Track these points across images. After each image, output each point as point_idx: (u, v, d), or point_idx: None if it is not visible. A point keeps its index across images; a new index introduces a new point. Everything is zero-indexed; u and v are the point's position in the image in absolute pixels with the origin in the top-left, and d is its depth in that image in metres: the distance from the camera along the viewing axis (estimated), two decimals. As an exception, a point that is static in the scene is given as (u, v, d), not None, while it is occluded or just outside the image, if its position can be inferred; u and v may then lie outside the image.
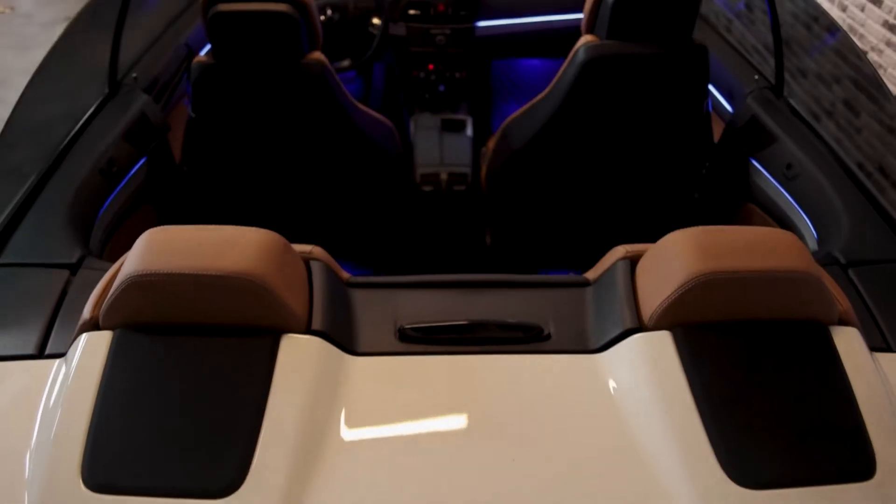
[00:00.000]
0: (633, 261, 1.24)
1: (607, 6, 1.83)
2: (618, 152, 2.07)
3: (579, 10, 2.97)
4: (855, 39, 3.35)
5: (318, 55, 1.86)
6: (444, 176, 2.48)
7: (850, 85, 3.33)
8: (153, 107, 2.06)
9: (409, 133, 2.95)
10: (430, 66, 2.98)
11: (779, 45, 2.10)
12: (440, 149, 2.59)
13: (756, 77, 2.23)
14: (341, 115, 1.95)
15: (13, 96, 2.11)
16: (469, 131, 2.83)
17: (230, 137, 2.00)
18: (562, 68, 1.94)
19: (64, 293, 1.35)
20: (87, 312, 1.11)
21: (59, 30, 5.37)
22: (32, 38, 5.32)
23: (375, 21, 2.79)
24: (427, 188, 2.46)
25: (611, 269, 1.25)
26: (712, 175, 2.27)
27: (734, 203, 2.19)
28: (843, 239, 1.59)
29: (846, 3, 3.40)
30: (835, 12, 3.49)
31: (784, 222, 1.92)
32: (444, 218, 2.51)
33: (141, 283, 1.04)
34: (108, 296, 1.07)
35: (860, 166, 3.28)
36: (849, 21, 3.40)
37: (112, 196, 1.81)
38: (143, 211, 2.02)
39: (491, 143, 2.70)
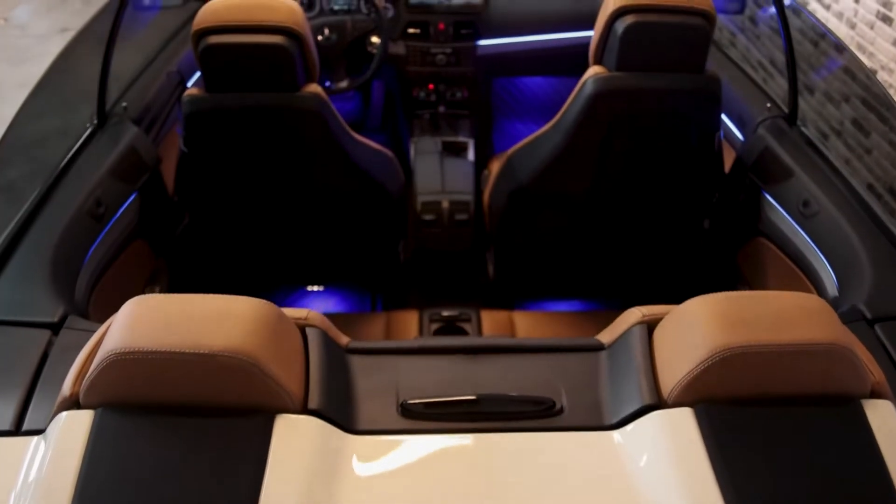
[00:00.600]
0: (649, 325, 1.17)
1: (616, 36, 1.76)
2: (626, 184, 2.00)
3: (582, 28, 2.90)
4: (864, 58, 3.28)
5: (314, 88, 1.79)
6: (445, 204, 2.41)
7: (858, 104, 3.26)
8: (143, 140, 1.98)
9: (408, 155, 2.88)
10: (431, 86, 2.92)
11: (793, 73, 2.03)
12: (441, 175, 2.52)
13: (768, 105, 2.16)
14: (338, 150, 1.88)
15: (8, 111, 2.05)
16: (471, 155, 2.76)
17: (223, 172, 1.93)
18: (569, 100, 1.87)
19: (45, 357, 1.28)
20: (66, 389, 1.04)
21: (54, 42, 5.31)
22: (26, 50, 5.25)
23: (374, 40, 2.72)
24: (428, 217, 2.38)
25: (626, 335, 1.17)
26: (722, 206, 2.20)
27: (744, 236, 2.11)
28: (867, 290, 1.51)
29: (855, 20, 3.33)
30: (843, 30, 3.42)
31: (799, 261, 1.85)
32: (446, 248, 2.44)
33: (123, 362, 0.97)
34: (89, 373, 1.00)
35: (870, 187, 3.21)
36: (857, 39, 3.33)
37: (100, 237, 1.73)
38: (134, 247, 1.94)
39: (493, 167, 2.63)
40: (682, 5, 1.73)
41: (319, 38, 2.61)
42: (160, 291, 2.04)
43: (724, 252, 2.23)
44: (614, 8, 1.74)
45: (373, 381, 1.14)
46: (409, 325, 2.18)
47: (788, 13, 1.97)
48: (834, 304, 1.66)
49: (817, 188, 1.82)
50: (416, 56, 2.86)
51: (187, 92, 1.80)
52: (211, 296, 1.05)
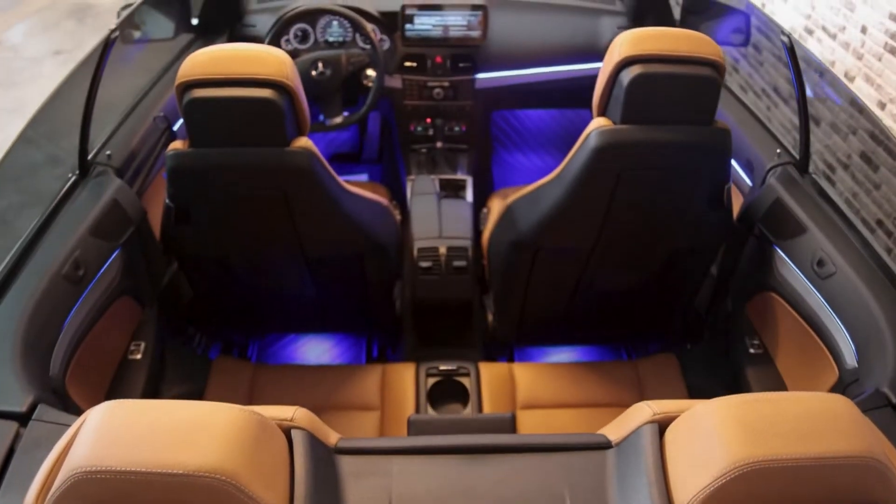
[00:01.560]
0: (661, 424, 1.08)
1: (622, 87, 1.67)
2: (631, 237, 1.92)
3: (582, 61, 2.84)
4: (872, 90, 3.20)
5: (304, 142, 1.70)
6: (443, 250, 2.32)
7: (866, 137, 3.18)
8: (127, 193, 1.89)
9: (404, 190, 2.80)
10: (428, 120, 2.85)
11: (805, 119, 1.95)
12: (438, 219, 2.44)
13: (778, 151, 2.07)
14: (331, 205, 1.79)
15: (-1, 137, 1.98)
16: (469, 195, 2.68)
17: (211, 226, 1.84)
18: (571, 152, 1.78)
19: (10, 454, 1.19)
20: None
21: (47, 64, 5.24)
22: (18, 73, 5.17)
23: (370, 73, 2.64)
24: (425, 264, 2.30)
25: (636, 434, 1.08)
26: (730, 256, 2.12)
27: (754, 288, 2.03)
28: (891, 369, 1.43)
29: (862, 51, 3.26)
30: (850, 61, 3.35)
31: (813, 322, 1.77)
32: (444, 296, 2.35)
33: (88, 482, 0.87)
34: (52, 491, 0.91)
35: (879, 223, 3.12)
36: (865, 70, 3.25)
37: (78, 303, 1.64)
38: (116, 305, 1.85)
39: (493, 206, 2.56)
40: (691, 55, 1.65)
41: (314, 72, 2.54)
42: (146, 347, 1.95)
43: (733, 301, 2.15)
44: (620, 58, 1.66)
45: (364, 486, 1.06)
46: (405, 379, 2.10)
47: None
48: (853, 375, 1.58)
49: (832, 246, 1.74)
50: (413, 90, 2.79)
51: (171, 146, 1.72)
52: (186, 403, 0.96)
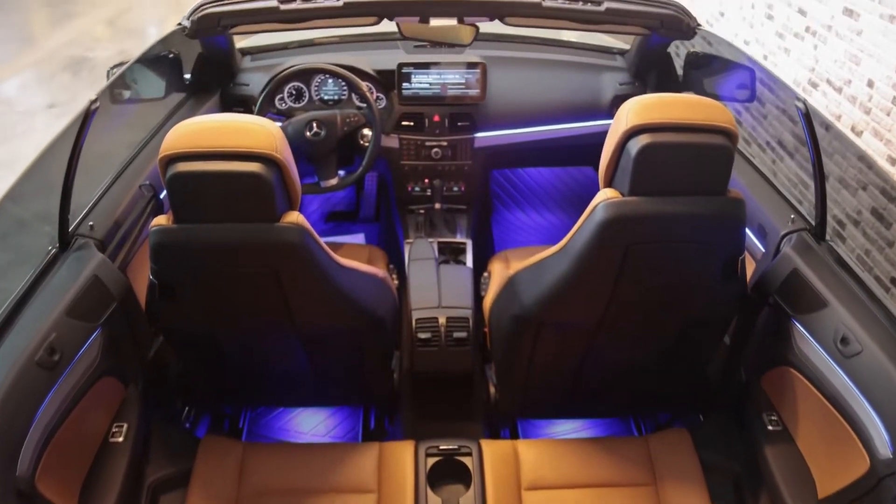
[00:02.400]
0: None
1: (629, 157, 1.58)
2: (640, 312, 1.81)
3: (584, 118, 2.77)
4: (881, 144, 3.13)
5: (295, 217, 1.60)
6: (442, 320, 2.22)
7: (877, 193, 3.10)
8: (109, 268, 1.79)
9: (402, 251, 2.71)
10: (426, 180, 2.76)
11: (821, 184, 1.85)
12: (437, 286, 2.34)
13: (792, 216, 1.98)
14: (323, 280, 1.69)
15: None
16: (469, 260, 2.58)
17: (197, 303, 1.74)
18: (577, 225, 1.69)
19: None
20: None
21: (41, 118, 5.19)
22: (11, 127, 5.11)
23: (366, 132, 2.57)
24: (423, 335, 2.19)
25: None
26: (744, 327, 2.02)
27: (770, 361, 1.92)
28: None
29: (870, 105, 3.19)
30: (857, 115, 3.28)
31: (837, 403, 1.65)
32: (444, 369, 2.24)
33: None
34: None
35: (894, 281, 3.03)
36: (873, 125, 3.18)
37: (53, 390, 1.53)
38: (98, 387, 1.74)
39: (494, 269, 2.46)
40: (702, 123, 1.57)
41: (308, 133, 2.47)
42: (129, 428, 1.84)
43: (747, 372, 2.04)
44: (627, 127, 1.58)
45: None
46: (403, 459, 1.97)
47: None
48: (888, 468, 1.46)
49: (856, 323, 1.63)
50: (411, 149, 2.72)
51: (155, 221, 1.62)
52: None
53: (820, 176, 1.83)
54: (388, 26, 2.51)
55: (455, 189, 2.78)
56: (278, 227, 1.58)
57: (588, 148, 2.82)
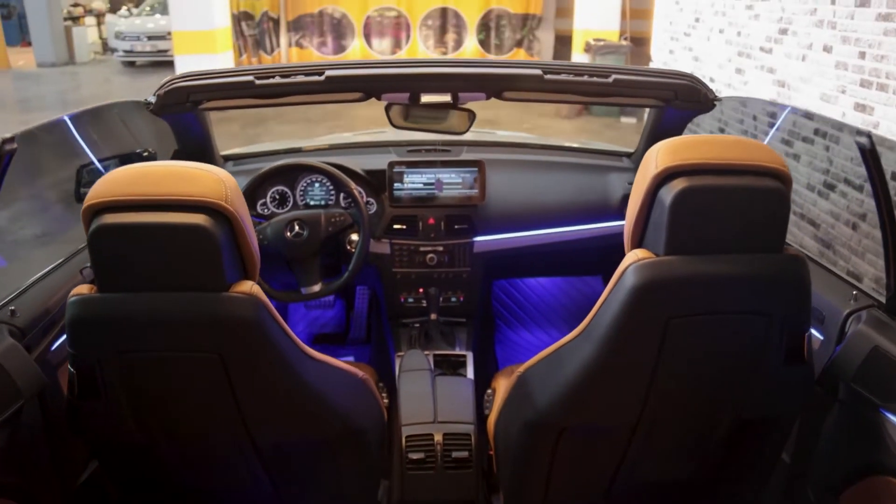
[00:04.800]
0: None
1: (663, 207, 1.30)
2: (684, 408, 1.47)
3: (591, 220, 2.51)
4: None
5: (248, 287, 1.29)
6: (438, 438, 1.85)
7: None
8: (19, 357, 1.46)
9: (393, 370, 2.37)
10: (421, 290, 2.47)
11: (893, 240, 1.55)
12: (433, 399, 1.98)
13: (854, 293, 1.68)
14: (285, 370, 1.35)
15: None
16: (470, 372, 2.24)
17: (126, 404, 1.39)
18: (602, 297, 1.38)
19: None
20: None
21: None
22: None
23: (354, 237, 2.31)
24: (415, 456, 1.81)
25: None
26: (810, 430, 1.66)
27: (852, 472, 1.55)
28: None
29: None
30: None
31: None
32: (441, 498, 1.85)
33: None
34: None
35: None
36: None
37: None
38: None
39: (499, 386, 2.11)
40: (749, 164, 1.31)
41: (288, 234, 2.21)
42: None
43: (817, 490, 1.66)
44: (658, 170, 1.30)
45: None
46: None
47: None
48: None
49: None
50: (403, 256, 2.45)
51: (74, 290, 1.30)
52: None
53: (892, 232, 1.53)
54: (379, 136, 2.31)
55: (453, 299, 2.49)
56: (226, 296, 1.26)
57: (597, 253, 2.57)
